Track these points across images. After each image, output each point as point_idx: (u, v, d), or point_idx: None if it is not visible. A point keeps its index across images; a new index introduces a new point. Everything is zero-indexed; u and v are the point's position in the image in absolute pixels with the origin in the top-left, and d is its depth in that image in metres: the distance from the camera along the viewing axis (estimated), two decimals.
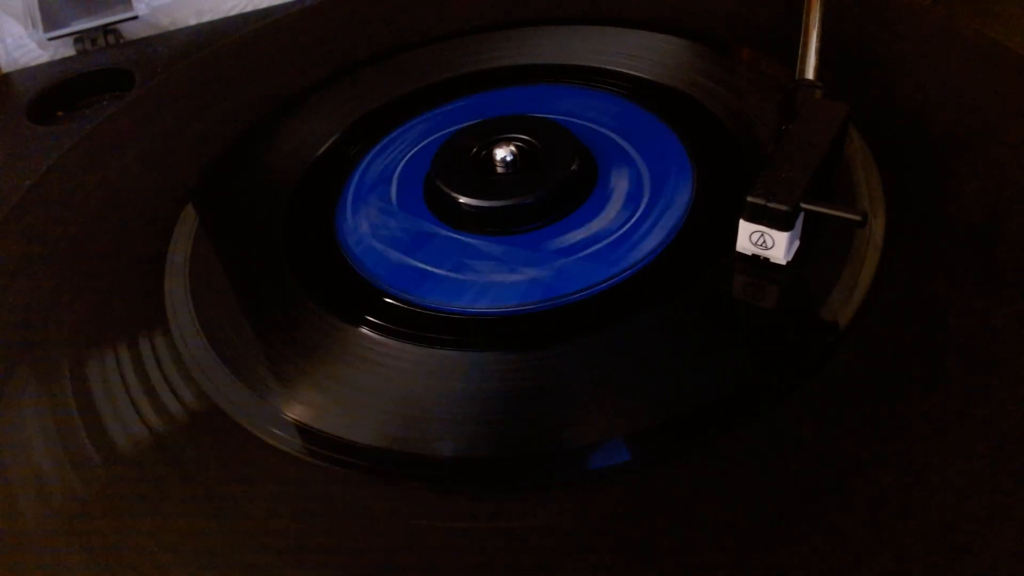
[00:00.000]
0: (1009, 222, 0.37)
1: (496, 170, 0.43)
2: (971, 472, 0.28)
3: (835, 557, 0.27)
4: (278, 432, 0.34)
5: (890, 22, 0.51)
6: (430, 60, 0.56)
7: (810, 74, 0.42)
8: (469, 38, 0.57)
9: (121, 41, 0.70)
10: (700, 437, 0.31)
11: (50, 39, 0.68)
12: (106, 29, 0.70)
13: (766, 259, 0.37)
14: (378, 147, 0.49)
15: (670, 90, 0.49)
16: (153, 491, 0.32)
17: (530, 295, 0.38)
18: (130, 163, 0.51)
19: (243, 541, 0.30)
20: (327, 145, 0.50)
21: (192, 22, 0.72)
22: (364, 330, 0.37)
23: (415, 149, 0.48)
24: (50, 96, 0.65)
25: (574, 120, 0.47)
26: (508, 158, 0.43)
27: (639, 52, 0.52)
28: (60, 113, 0.65)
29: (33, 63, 0.69)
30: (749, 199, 0.35)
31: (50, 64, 0.68)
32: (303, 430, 0.34)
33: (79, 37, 0.69)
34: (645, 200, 0.42)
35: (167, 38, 0.70)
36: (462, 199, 0.42)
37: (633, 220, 0.41)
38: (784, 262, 0.36)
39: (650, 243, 0.39)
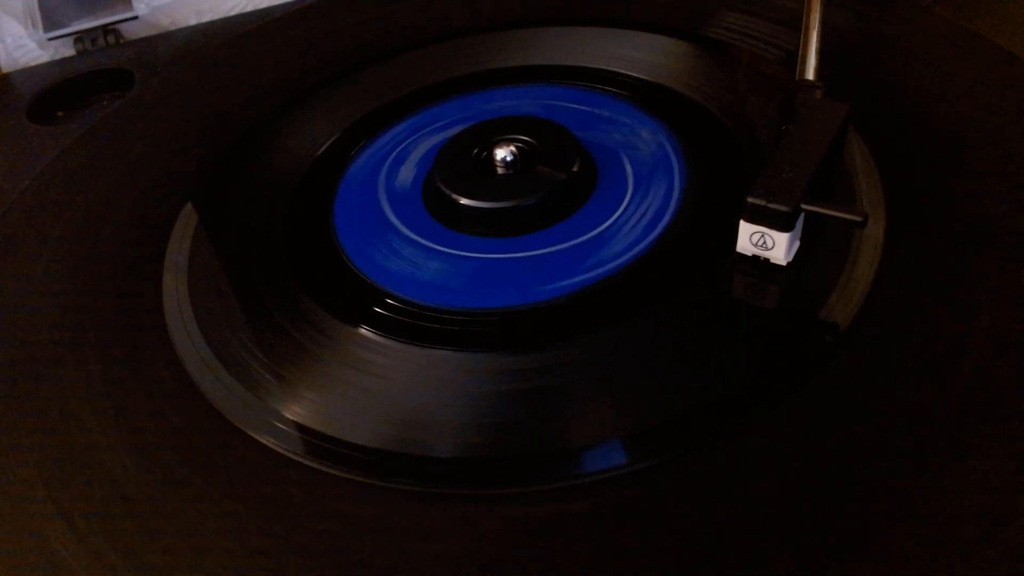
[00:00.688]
0: (1009, 222, 0.37)
1: (496, 171, 0.43)
2: (971, 472, 0.28)
3: (835, 557, 0.27)
4: (277, 433, 0.34)
5: (890, 22, 0.51)
6: (430, 60, 0.56)
7: (810, 74, 0.42)
8: (469, 38, 0.57)
9: (121, 41, 0.70)
10: (700, 437, 0.31)
11: (50, 39, 0.68)
12: (106, 29, 0.70)
13: (766, 260, 0.37)
14: (378, 147, 0.49)
15: (670, 90, 0.49)
16: (151, 491, 0.32)
17: (530, 295, 0.38)
18: (130, 163, 0.51)
19: (242, 542, 0.30)
20: (327, 145, 0.50)
21: (192, 22, 0.72)
22: (363, 330, 0.37)
23: (415, 149, 0.48)
24: (50, 96, 0.65)
25: (574, 120, 0.47)
26: (508, 159, 0.43)
27: (639, 52, 0.52)
28: (60, 113, 0.65)
29: (33, 63, 0.69)
30: (749, 200, 0.35)
31: (50, 64, 0.68)
32: (302, 431, 0.34)
33: (79, 37, 0.69)
34: (645, 200, 0.42)
35: (167, 38, 0.70)
36: (462, 200, 0.42)
37: (633, 220, 0.41)
38: (784, 263, 0.36)
39: (649, 243, 0.39)
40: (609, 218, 0.41)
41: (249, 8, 0.72)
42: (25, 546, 0.31)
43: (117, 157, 0.52)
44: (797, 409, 0.31)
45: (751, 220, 0.36)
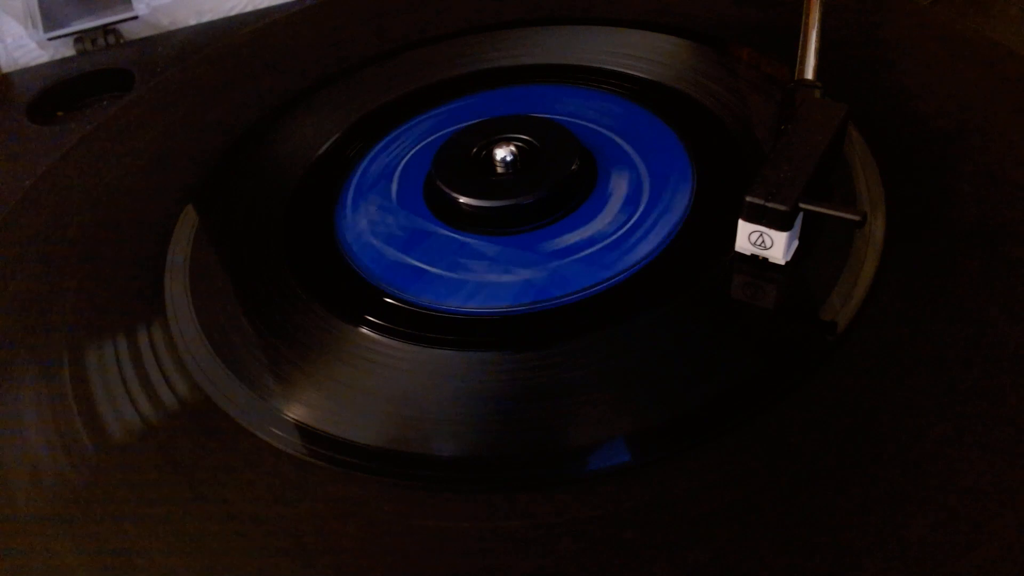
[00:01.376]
0: (1008, 222, 0.37)
1: (496, 170, 0.43)
2: (971, 471, 0.28)
3: (835, 556, 0.27)
4: (278, 432, 0.34)
5: (890, 22, 0.51)
6: (430, 60, 0.56)
7: (809, 74, 0.42)
8: (469, 38, 0.57)
9: (121, 41, 0.70)
10: (700, 437, 0.31)
11: (50, 39, 0.68)
12: (106, 29, 0.70)
13: (765, 259, 0.37)
14: (378, 147, 0.49)
15: (670, 90, 0.49)
16: (152, 491, 0.32)
17: (529, 295, 0.38)
18: (130, 163, 0.51)
19: (243, 541, 0.30)
20: (327, 145, 0.50)
21: (192, 22, 0.72)
22: (364, 330, 0.37)
23: (415, 149, 0.48)
24: (50, 96, 0.65)
25: (574, 120, 0.47)
26: (508, 158, 0.43)
27: (639, 52, 0.52)
28: (60, 113, 0.65)
29: (33, 63, 0.69)
30: (748, 199, 0.35)
31: (50, 64, 0.68)
32: (303, 430, 0.34)
33: (79, 37, 0.69)
34: (645, 200, 0.42)
35: (167, 38, 0.70)
36: (462, 199, 0.42)
37: (633, 220, 0.41)
38: (783, 262, 0.36)
39: (649, 243, 0.39)
40: (609, 217, 0.41)
41: (249, 8, 0.72)
42: (23, 544, 0.31)
43: (117, 157, 0.52)
44: (797, 409, 0.31)
45: (749, 219, 0.36)
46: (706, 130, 0.46)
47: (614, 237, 0.40)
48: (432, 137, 0.49)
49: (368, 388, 0.35)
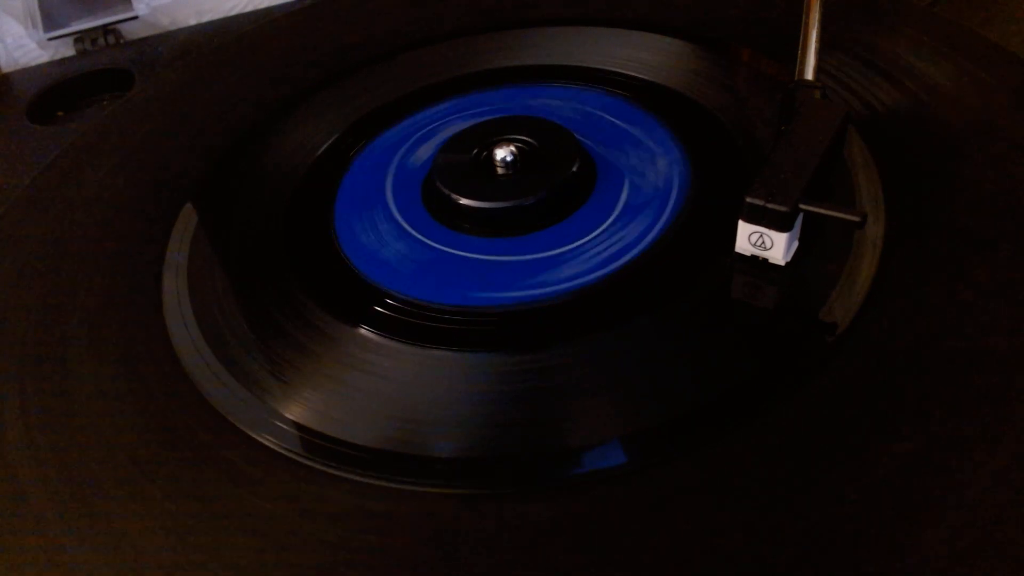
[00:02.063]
0: (1009, 222, 0.37)
1: (496, 171, 0.43)
2: (971, 471, 0.28)
3: (835, 556, 0.27)
4: (276, 432, 0.34)
5: (890, 22, 0.51)
6: (430, 60, 0.56)
7: (809, 75, 0.42)
8: (469, 38, 0.57)
9: (121, 41, 0.70)
10: (700, 437, 0.31)
11: (50, 39, 0.68)
12: (106, 29, 0.70)
13: (765, 260, 0.37)
14: (378, 147, 0.49)
15: (670, 90, 0.49)
16: (151, 491, 0.32)
17: (529, 295, 0.38)
18: (130, 163, 0.51)
19: (242, 542, 0.30)
20: (327, 145, 0.50)
21: (192, 22, 0.72)
22: (363, 330, 0.37)
23: (415, 149, 0.48)
24: (50, 96, 0.65)
25: (574, 120, 0.47)
26: (508, 159, 0.43)
27: (639, 52, 0.52)
28: (60, 113, 0.65)
29: (33, 63, 0.69)
30: (747, 200, 0.35)
31: (50, 64, 0.68)
32: (301, 430, 0.34)
33: (79, 37, 0.69)
34: (645, 200, 0.42)
35: (167, 38, 0.70)
36: (462, 200, 0.42)
37: (632, 220, 0.41)
38: (783, 263, 0.36)
39: (649, 243, 0.39)
40: (609, 218, 0.41)
41: (249, 8, 0.72)
42: (26, 543, 0.31)
43: (117, 157, 0.52)
44: (796, 409, 0.31)
45: (749, 220, 0.36)
46: (706, 130, 0.46)
47: (614, 237, 0.40)
48: (432, 138, 0.49)
49: (367, 388, 0.35)
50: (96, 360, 0.38)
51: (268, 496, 0.31)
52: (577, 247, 0.40)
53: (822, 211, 0.35)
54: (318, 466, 0.32)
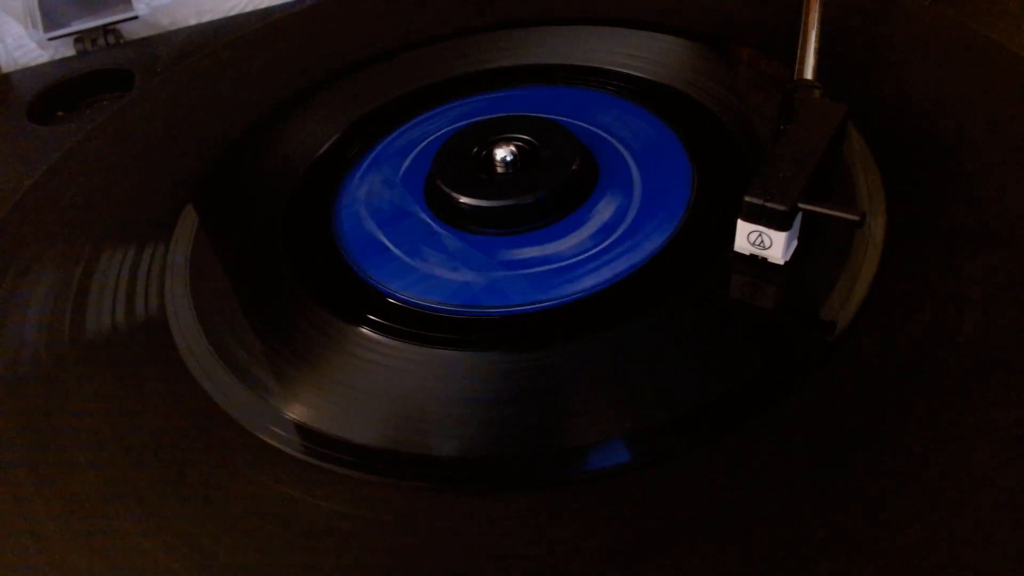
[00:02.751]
0: (1009, 222, 0.37)
1: (496, 170, 0.43)
2: (971, 471, 0.28)
3: (835, 556, 0.27)
4: (278, 432, 0.34)
5: (890, 22, 0.51)
6: (430, 60, 0.56)
7: (809, 74, 0.42)
8: (469, 38, 0.57)
9: (121, 41, 0.70)
10: (699, 437, 0.31)
11: (50, 39, 0.68)
12: (106, 29, 0.70)
13: (764, 259, 0.37)
14: (378, 147, 0.49)
15: (670, 90, 0.49)
16: (152, 491, 0.32)
17: (529, 295, 0.38)
18: (130, 163, 0.51)
19: (242, 540, 0.30)
20: (327, 145, 0.50)
21: (192, 22, 0.72)
22: (363, 330, 0.37)
23: (415, 149, 0.48)
24: (50, 96, 0.65)
25: (574, 120, 0.47)
26: (508, 158, 0.43)
27: (639, 52, 0.52)
28: (60, 113, 0.65)
29: (33, 63, 0.69)
30: (746, 199, 0.35)
31: (50, 64, 0.68)
32: (303, 430, 0.34)
33: (79, 37, 0.69)
34: (645, 200, 0.42)
35: (167, 38, 0.70)
36: (462, 199, 0.42)
37: (632, 220, 0.41)
38: (782, 262, 0.36)
39: (649, 243, 0.39)
40: (609, 217, 0.41)
41: (249, 8, 0.72)
42: (23, 544, 0.31)
43: (117, 157, 0.52)
44: (796, 409, 0.31)
45: (748, 219, 0.36)
46: (706, 130, 0.46)
47: (614, 237, 0.40)
48: (432, 137, 0.49)
49: (368, 388, 0.35)
50: (96, 360, 0.38)
51: (268, 495, 0.31)
52: (577, 247, 0.40)
53: (821, 210, 0.35)
54: (318, 464, 0.32)
